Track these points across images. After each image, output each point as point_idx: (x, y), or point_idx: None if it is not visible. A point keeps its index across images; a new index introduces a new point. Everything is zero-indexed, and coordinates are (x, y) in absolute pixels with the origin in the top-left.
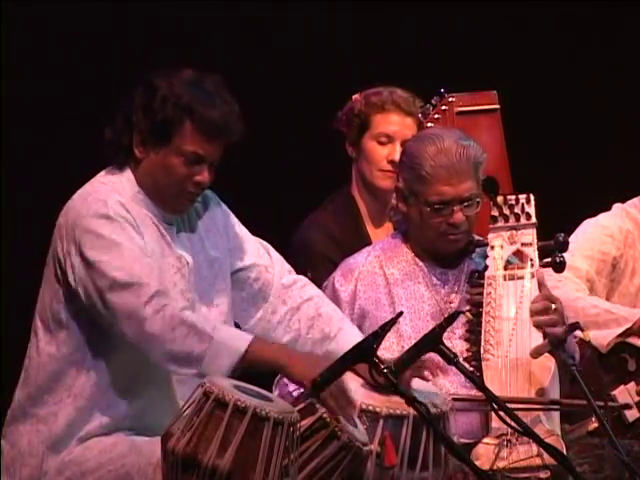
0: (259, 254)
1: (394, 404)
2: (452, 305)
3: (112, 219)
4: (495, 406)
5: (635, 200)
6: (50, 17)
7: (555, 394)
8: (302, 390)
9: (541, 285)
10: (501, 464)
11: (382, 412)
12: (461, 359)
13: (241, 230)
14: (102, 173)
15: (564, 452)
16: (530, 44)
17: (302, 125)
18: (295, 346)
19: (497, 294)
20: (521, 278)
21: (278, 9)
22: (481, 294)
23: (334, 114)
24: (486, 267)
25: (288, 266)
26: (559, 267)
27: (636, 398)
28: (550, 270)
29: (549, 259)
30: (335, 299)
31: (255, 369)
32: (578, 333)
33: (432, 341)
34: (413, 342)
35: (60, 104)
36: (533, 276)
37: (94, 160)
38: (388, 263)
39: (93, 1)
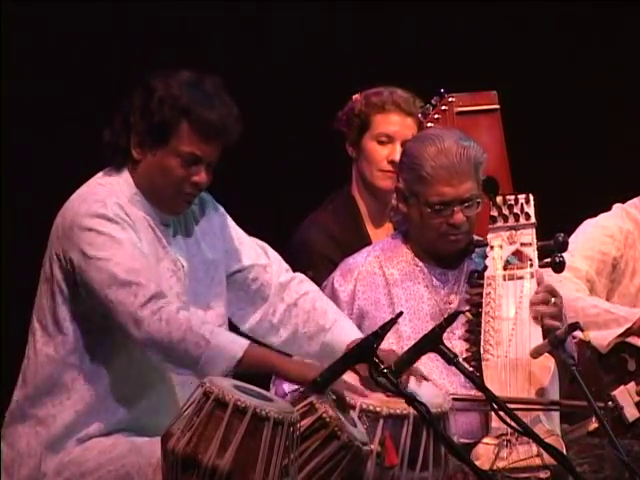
0: (257, 254)
1: (394, 404)
2: (452, 305)
3: (111, 219)
4: (495, 406)
5: (635, 200)
6: (50, 17)
7: (555, 394)
8: (295, 388)
9: (540, 284)
10: (501, 464)
11: (382, 412)
12: (461, 359)
13: (238, 232)
14: (100, 174)
15: (564, 452)
16: (530, 44)
17: (302, 125)
18: (293, 342)
19: (497, 294)
20: (521, 278)
21: (278, 9)
22: (481, 294)
23: (334, 114)
24: (486, 267)
25: (286, 265)
26: (558, 267)
27: (636, 398)
28: (549, 270)
29: (548, 259)
30: (334, 299)
31: (250, 372)
32: (578, 333)
33: (432, 341)
34: (412, 342)
35: (60, 104)
36: (533, 276)
37: (94, 160)
38: (388, 263)
39: (93, 1)
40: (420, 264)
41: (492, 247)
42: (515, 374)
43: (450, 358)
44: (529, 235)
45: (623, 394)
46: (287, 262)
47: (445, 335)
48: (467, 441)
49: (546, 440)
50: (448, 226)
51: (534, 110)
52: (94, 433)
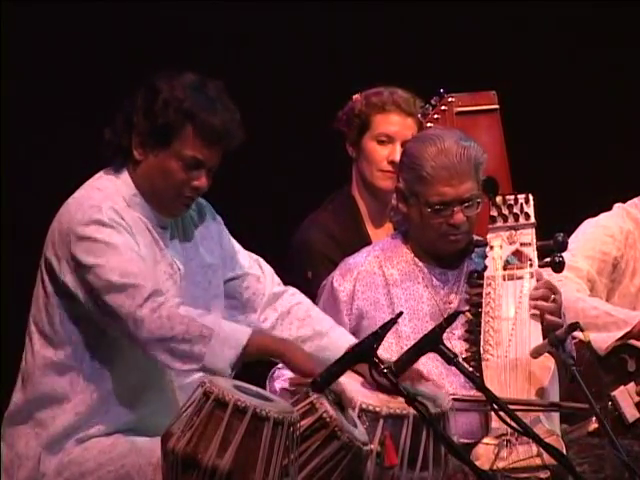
0: (250, 265)
1: (394, 404)
2: (451, 305)
3: (106, 224)
4: (495, 406)
5: (636, 200)
6: (50, 17)
7: (555, 394)
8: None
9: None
10: (501, 464)
11: (382, 412)
12: (461, 359)
13: (233, 241)
14: (98, 175)
15: (564, 452)
16: (530, 44)
17: (302, 125)
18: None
19: (496, 294)
20: (520, 278)
21: (278, 9)
22: (480, 294)
23: (334, 114)
24: (485, 267)
25: (278, 279)
26: (558, 267)
27: (636, 398)
28: (549, 270)
29: (548, 259)
30: (333, 299)
31: (256, 359)
32: (578, 334)
33: (432, 341)
34: (412, 342)
35: (60, 104)
36: (532, 276)
37: (94, 160)
38: (387, 263)
39: (93, 1)
40: (420, 264)
41: (492, 247)
42: (515, 374)
43: (450, 358)
44: (529, 235)
45: (623, 394)
46: (287, 262)
47: (445, 335)
48: (467, 441)
49: (546, 440)
50: (448, 226)
51: (534, 110)
52: (94, 434)
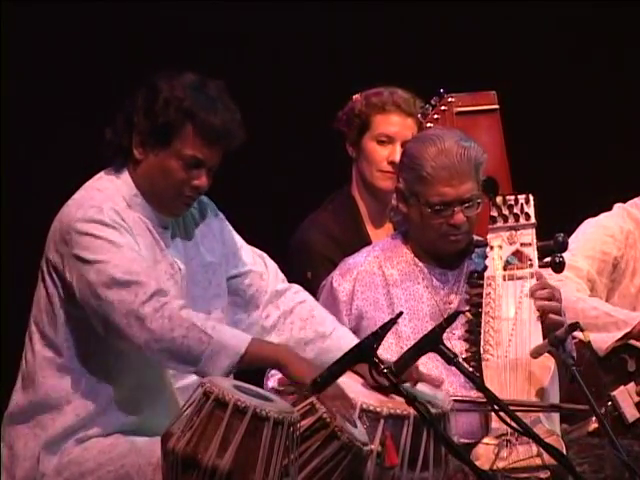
0: (254, 261)
1: (395, 404)
2: (451, 306)
3: (108, 224)
4: (495, 406)
5: (636, 200)
6: (50, 17)
7: (555, 394)
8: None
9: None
10: (501, 464)
11: (383, 412)
12: (461, 359)
13: (236, 238)
14: (98, 175)
15: (564, 452)
16: (530, 44)
17: (302, 125)
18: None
19: (496, 294)
20: (520, 278)
21: (278, 9)
22: (480, 294)
23: (334, 114)
24: (485, 267)
25: (282, 275)
26: (558, 267)
27: (636, 398)
28: (549, 270)
29: (548, 259)
30: (333, 298)
31: (253, 368)
32: (578, 334)
33: (432, 341)
34: (412, 343)
35: (60, 104)
36: (532, 276)
37: (94, 160)
38: (387, 263)
39: (93, 1)
40: (420, 264)
41: (492, 247)
42: (515, 374)
43: (450, 358)
44: (529, 235)
45: (623, 394)
46: (287, 262)
47: (445, 335)
48: (467, 441)
49: (546, 440)
50: (448, 226)
51: (534, 110)
52: (93, 434)
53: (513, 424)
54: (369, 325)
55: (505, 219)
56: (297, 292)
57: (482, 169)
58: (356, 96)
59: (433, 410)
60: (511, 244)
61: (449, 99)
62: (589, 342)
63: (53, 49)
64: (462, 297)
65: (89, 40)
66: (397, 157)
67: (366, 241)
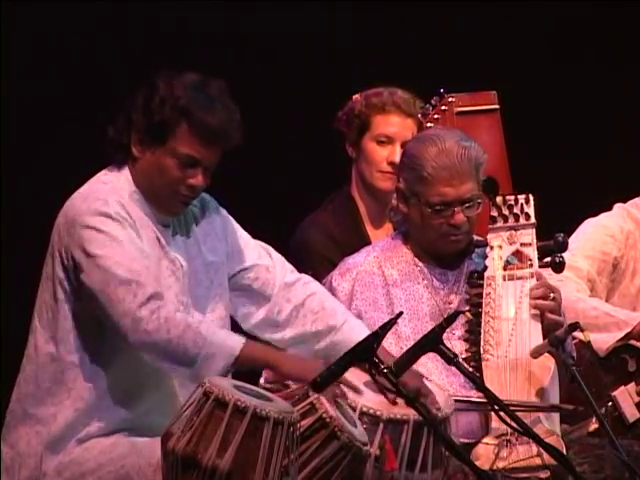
0: (260, 255)
1: (396, 408)
2: (451, 306)
3: (113, 217)
4: (495, 406)
5: (636, 200)
6: (50, 17)
7: (555, 394)
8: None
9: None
10: (501, 464)
11: (383, 416)
12: (461, 359)
13: (240, 233)
14: (103, 172)
15: (564, 452)
16: (530, 44)
17: (302, 125)
18: (300, 340)
19: (496, 294)
20: (520, 278)
21: (278, 9)
22: (480, 294)
23: (334, 114)
24: (485, 267)
25: (290, 266)
26: (558, 267)
27: (636, 398)
28: (549, 270)
29: (548, 259)
30: None
31: (248, 369)
32: (578, 334)
33: (432, 341)
34: (412, 343)
35: (60, 104)
36: (532, 276)
37: (94, 160)
38: (387, 263)
39: (93, 1)
40: (420, 264)
41: (492, 247)
42: (515, 374)
43: (450, 358)
44: (529, 235)
45: (623, 394)
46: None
47: (445, 335)
48: (467, 441)
49: (546, 440)
50: (449, 226)
51: (534, 110)
52: (95, 432)
53: (513, 424)
54: (368, 325)
55: (505, 219)
56: (307, 283)
57: (482, 169)
58: (356, 96)
59: (435, 413)
60: (511, 244)
61: (449, 99)
62: (589, 342)
63: (53, 49)
64: (462, 297)
65: (89, 40)
66: (397, 158)
67: (366, 241)
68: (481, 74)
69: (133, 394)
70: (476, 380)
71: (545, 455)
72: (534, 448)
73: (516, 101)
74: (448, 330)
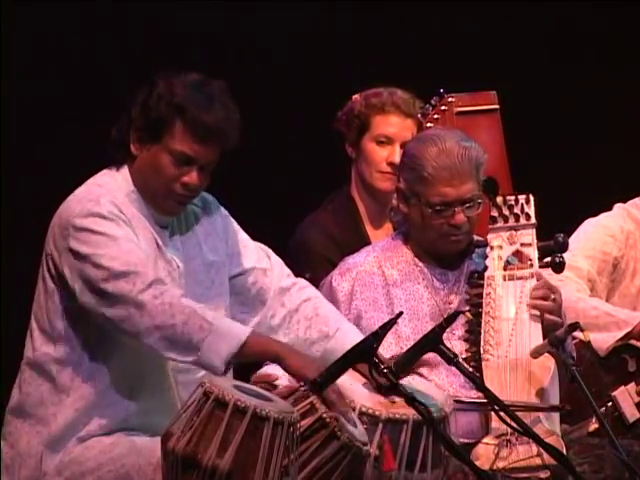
0: (258, 258)
1: (395, 408)
2: (451, 306)
3: (106, 217)
4: (496, 407)
5: (637, 200)
6: (50, 17)
7: (555, 394)
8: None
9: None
10: (501, 464)
11: (382, 416)
12: (461, 359)
13: (241, 235)
14: (100, 173)
15: (564, 452)
16: (530, 44)
17: (302, 125)
18: (293, 346)
19: (497, 294)
20: (521, 278)
21: (279, 9)
22: (480, 294)
23: (334, 114)
24: (486, 267)
25: (287, 270)
26: (558, 267)
27: (636, 398)
28: (549, 270)
29: (548, 259)
30: (332, 298)
31: (252, 360)
32: (578, 334)
33: (432, 341)
34: (412, 343)
35: (60, 104)
36: (533, 276)
37: (94, 160)
38: (387, 263)
39: (93, 1)
40: (420, 264)
41: (492, 247)
42: (515, 374)
43: (450, 358)
44: (529, 235)
45: (623, 394)
46: (286, 263)
47: (445, 335)
48: (467, 441)
49: (546, 440)
50: (449, 227)
51: (534, 110)
52: (95, 431)
53: (513, 424)
54: (368, 325)
55: (505, 219)
56: (302, 288)
57: (483, 169)
58: (355, 96)
59: (435, 414)
60: (511, 244)
61: (449, 99)
62: (589, 342)
63: (53, 49)
64: (462, 297)
65: (89, 40)
66: (396, 158)
67: (365, 241)
68: (481, 74)
69: (133, 393)
70: (476, 380)
71: (545, 455)
72: (534, 448)
73: (516, 101)
74: (448, 330)
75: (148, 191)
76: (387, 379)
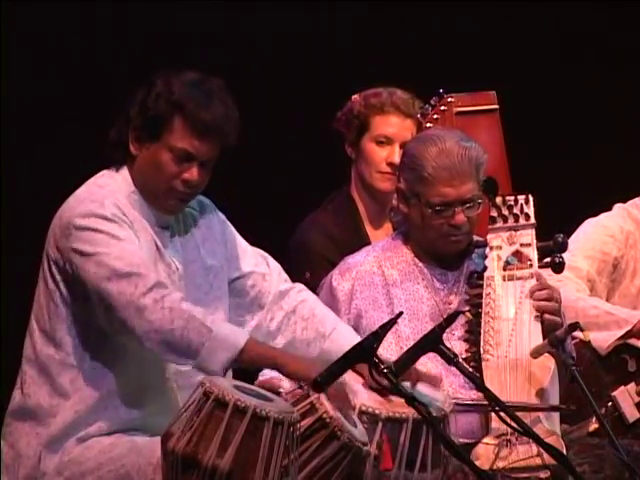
0: (257, 262)
1: (394, 407)
2: (451, 306)
3: (109, 219)
4: (495, 407)
5: (636, 200)
6: (50, 17)
7: (555, 394)
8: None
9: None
10: (501, 464)
11: (381, 415)
12: (460, 359)
13: (239, 239)
14: (101, 173)
15: (564, 452)
16: (530, 44)
17: (302, 125)
18: (291, 348)
19: (496, 294)
20: (520, 279)
21: (279, 9)
22: (480, 295)
23: (334, 114)
24: (485, 268)
25: (285, 275)
26: (558, 268)
27: (636, 398)
28: (549, 270)
29: (548, 260)
30: (332, 297)
31: (250, 366)
32: (578, 334)
33: (432, 341)
34: (412, 343)
35: (60, 104)
36: (532, 277)
37: (94, 160)
38: (387, 263)
39: (93, 1)
40: (420, 264)
41: (492, 248)
42: (515, 374)
43: (450, 358)
44: (529, 236)
45: (623, 394)
46: (286, 263)
47: (445, 335)
48: (467, 441)
49: (546, 440)
50: (449, 227)
51: (534, 110)
52: (95, 432)
53: (513, 424)
54: (368, 324)
55: (505, 219)
56: (300, 291)
57: (483, 169)
58: (355, 97)
59: (435, 413)
60: (511, 244)
61: (449, 99)
62: (589, 342)
63: (53, 49)
64: (462, 297)
65: (89, 40)
66: (396, 158)
67: (365, 242)
68: (481, 74)
69: (134, 396)
70: (476, 380)
71: (545, 455)
72: (534, 448)
73: (516, 101)
74: (448, 330)
75: (149, 190)
76: (387, 379)
